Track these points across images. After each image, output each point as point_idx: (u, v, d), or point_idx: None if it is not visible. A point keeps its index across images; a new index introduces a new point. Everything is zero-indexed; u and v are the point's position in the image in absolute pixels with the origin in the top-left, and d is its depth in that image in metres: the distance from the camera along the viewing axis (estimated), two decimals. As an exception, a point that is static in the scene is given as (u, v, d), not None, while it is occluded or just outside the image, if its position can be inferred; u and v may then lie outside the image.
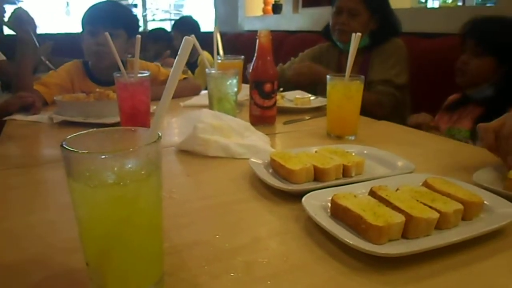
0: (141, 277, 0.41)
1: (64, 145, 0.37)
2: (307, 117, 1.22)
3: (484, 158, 0.77)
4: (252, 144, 0.86)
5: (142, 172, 0.38)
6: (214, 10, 4.31)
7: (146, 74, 1.03)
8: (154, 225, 0.40)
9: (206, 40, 1.56)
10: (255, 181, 0.72)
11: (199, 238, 0.54)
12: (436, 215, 0.51)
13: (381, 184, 0.60)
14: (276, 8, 3.31)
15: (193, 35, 1.00)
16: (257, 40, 1.08)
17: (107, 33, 1.02)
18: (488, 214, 0.56)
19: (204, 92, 1.55)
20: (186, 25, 3.05)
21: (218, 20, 4.15)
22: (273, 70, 1.09)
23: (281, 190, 0.65)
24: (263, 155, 0.78)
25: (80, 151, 0.36)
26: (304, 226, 0.56)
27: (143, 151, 0.38)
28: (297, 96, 1.39)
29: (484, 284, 0.44)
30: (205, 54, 2.87)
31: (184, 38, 0.39)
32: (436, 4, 3.62)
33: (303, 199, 0.57)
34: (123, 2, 4.25)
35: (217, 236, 0.54)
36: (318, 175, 0.68)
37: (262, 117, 1.10)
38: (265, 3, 3.52)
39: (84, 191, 0.38)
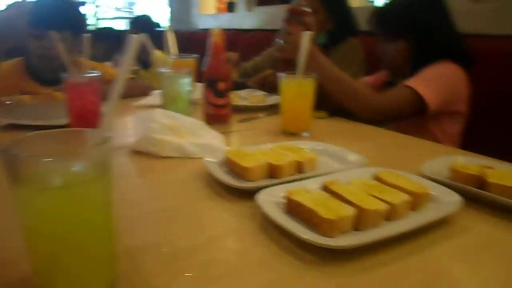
0: (93, 282, 0.39)
1: (7, 149, 0.35)
2: (261, 115, 1.22)
3: (431, 150, 0.81)
4: (207, 143, 0.85)
5: (91, 175, 0.37)
6: (168, 8, 4.25)
7: (96, 74, 0.99)
8: (104, 228, 0.39)
9: (161, 38, 1.54)
10: (210, 180, 0.71)
11: (154, 239, 0.52)
12: (385, 206, 0.52)
13: (333, 179, 0.61)
14: (230, 7, 3.31)
15: (143, 34, 0.98)
16: (210, 39, 1.07)
17: (54, 33, 0.98)
18: (435, 204, 0.58)
19: (157, 91, 1.52)
20: (142, 23, 2.99)
21: (171, 18, 4.09)
22: (226, 69, 1.08)
23: (237, 188, 0.65)
24: (218, 154, 0.78)
25: (23, 154, 0.34)
26: (259, 223, 0.56)
27: (91, 153, 0.37)
28: (252, 94, 1.39)
29: (433, 269, 0.46)
30: (157, 53, 2.82)
31: (129, 36, 0.38)
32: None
33: (257, 196, 0.57)
34: (71, -1, 4.10)
35: (172, 237, 0.53)
36: (273, 172, 0.69)
37: (217, 115, 1.09)
38: (219, 1, 3.50)
39: (30, 196, 0.36)
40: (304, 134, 1.00)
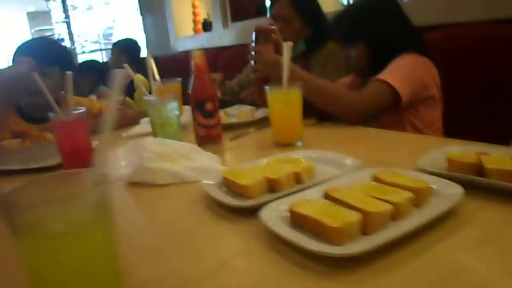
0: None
1: (4, 199, 0.34)
2: (252, 130, 1.22)
3: (423, 143, 0.81)
4: (202, 166, 0.84)
5: (91, 217, 0.36)
6: (144, 35, 4.27)
7: (82, 110, 0.99)
8: (110, 268, 0.38)
9: (142, 64, 1.55)
10: (210, 202, 0.70)
11: (164, 269, 0.52)
12: (390, 207, 0.52)
13: (333, 186, 0.61)
14: (207, 26, 3.33)
15: (125, 64, 0.97)
16: (192, 62, 1.07)
17: (36, 74, 0.98)
18: (437, 197, 0.58)
19: (145, 119, 1.51)
20: (125, 47, 3.02)
21: (149, 44, 4.11)
22: (212, 89, 1.09)
23: (238, 208, 0.64)
24: (214, 175, 0.77)
25: (21, 204, 0.34)
26: (266, 240, 0.55)
27: (89, 195, 0.36)
28: (240, 110, 1.39)
29: (446, 265, 0.46)
30: (138, 77, 2.83)
31: (112, 70, 0.38)
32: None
33: (261, 213, 0.57)
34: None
35: (180, 266, 0.52)
36: (272, 186, 0.68)
37: (208, 136, 1.08)
38: (195, 22, 3.53)
39: (32, 244, 0.35)
40: (298, 143, 1.00)
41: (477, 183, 0.62)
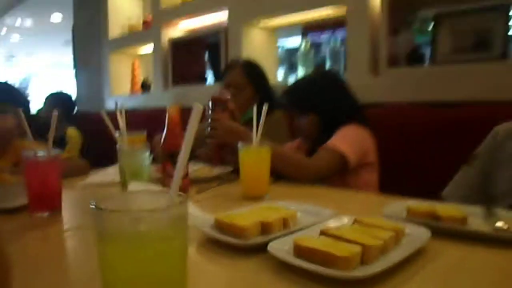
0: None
1: (95, 205, 0.39)
2: (215, 185, 1.29)
3: (374, 199, 0.93)
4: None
5: (170, 231, 0.41)
6: (76, 89, 4.21)
7: (56, 152, 0.99)
8: (179, 279, 0.43)
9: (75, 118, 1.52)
10: (202, 245, 0.75)
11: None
12: (381, 241, 0.63)
13: (326, 227, 0.70)
14: (145, 87, 3.40)
15: (55, 113, 1.02)
16: (167, 114, 1.14)
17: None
18: (410, 237, 0.70)
19: (112, 168, 1.46)
20: (59, 99, 2.94)
21: (78, 99, 4.02)
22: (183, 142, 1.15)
23: (239, 246, 0.70)
24: (203, 222, 0.82)
25: (110, 209, 0.39)
26: (273, 274, 0.61)
27: (172, 209, 0.42)
28: (199, 167, 1.46)
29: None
30: (70, 131, 2.74)
31: (194, 104, 0.45)
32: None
33: (269, 246, 0.64)
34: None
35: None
36: (264, 229, 0.75)
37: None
38: (133, 83, 3.57)
39: (114, 249, 0.39)
40: (266, 197, 1.09)
41: (435, 228, 0.75)
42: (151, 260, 0.39)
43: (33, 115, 3.27)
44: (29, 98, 1.62)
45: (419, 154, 1.67)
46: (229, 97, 1.52)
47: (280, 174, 1.32)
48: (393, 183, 1.59)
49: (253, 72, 1.87)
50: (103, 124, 1.20)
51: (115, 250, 0.39)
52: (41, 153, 0.98)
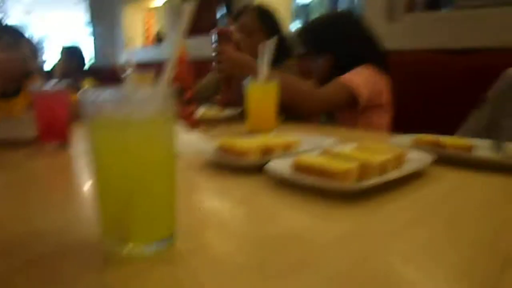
0: (161, 226, 0.43)
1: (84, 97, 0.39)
2: (223, 123, 1.29)
3: (384, 136, 0.91)
4: (190, 140, 0.90)
5: (159, 116, 0.41)
6: (93, 44, 4.22)
7: (63, 86, 1.00)
8: (169, 174, 0.43)
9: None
10: (205, 168, 0.75)
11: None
12: (380, 160, 0.62)
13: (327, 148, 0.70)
14: (159, 39, 3.37)
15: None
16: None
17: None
18: (412, 162, 0.69)
19: None
20: (73, 54, 2.97)
21: (96, 54, 4.04)
22: (190, 78, 1.15)
23: (241, 167, 0.71)
24: (207, 147, 0.83)
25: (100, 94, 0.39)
26: (273, 189, 0.62)
27: (160, 93, 0.41)
28: (207, 110, 1.46)
29: (421, 208, 0.56)
30: (88, 81, 2.78)
31: (184, 4, 0.44)
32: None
33: (268, 164, 0.64)
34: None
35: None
36: (266, 152, 0.75)
37: (185, 123, 1.13)
38: (146, 36, 3.55)
39: (104, 132, 0.40)
40: (273, 133, 1.09)
41: (440, 155, 0.74)
42: (138, 144, 0.40)
43: (49, 71, 3.31)
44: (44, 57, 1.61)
45: (436, 101, 1.63)
46: (232, 28, 1.48)
47: (288, 107, 1.31)
48: (407, 130, 1.57)
49: (266, 17, 1.82)
50: (118, 77, 1.19)
51: (103, 136, 0.40)
52: (48, 85, 0.99)
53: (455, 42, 1.74)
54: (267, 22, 1.80)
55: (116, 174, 0.40)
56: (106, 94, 0.40)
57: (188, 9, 0.45)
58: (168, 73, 0.44)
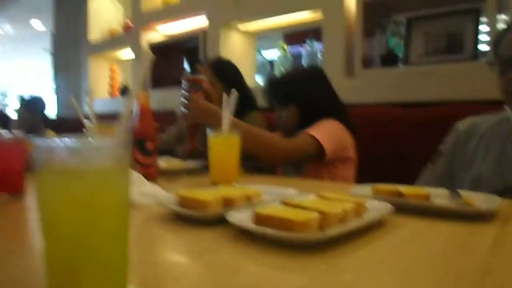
0: (113, 280, 0.40)
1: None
2: (184, 175, 1.27)
3: (346, 187, 0.93)
4: (151, 191, 0.87)
5: (113, 165, 0.40)
6: (55, 95, 4.16)
7: (21, 135, 0.97)
8: (123, 224, 0.41)
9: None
10: (163, 221, 0.73)
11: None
12: (340, 210, 0.62)
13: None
14: (124, 91, 3.37)
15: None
16: (137, 101, 1.13)
17: None
18: (372, 211, 0.70)
19: None
20: (34, 105, 2.90)
21: (59, 105, 3.97)
22: (153, 129, 1.14)
23: (200, 219, 0.69)
24: (166, 199, 0.81)
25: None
26: (234, 240, 0.60)
27: (114, 143, 0.40)
28: (170, 161, 1.44)
29: (379, 256, 0.56)
30: (49, 133, 2.71)
31: (144, 51, 0.45)
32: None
33: (228, 215, 0.63)
34: None
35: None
36: (227, 204, 0.74)
37: (145, 174, 1.11)
38: (112, 86, 3.54)
39: (55, 182, 0.38)
40: (235, 184, 1.08)
41: (399, 204, 0.75)
42: (90, 193, 0.38)
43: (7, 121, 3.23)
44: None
45: (393, 153, 1.69)
46: (203, 77, 1.49)
47: (253, 157, 1.31)
48: (365, 180, 1.60)
49: (222, 70, 1.80)
50: (80, 129, 1.17)
51: (53, 184, 0.38)
52: (5, 133, 0.95)
53: (410, 95, 1.83)
54: (224, 75, 1.78)
55: (64, 224, 0.38)
56: (60, 141, 0.39)
57: (147, 58, 0.45)
58: (125, 121, 0.43)
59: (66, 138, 0.39)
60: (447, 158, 1.26)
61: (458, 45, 1.82)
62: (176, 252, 0.60)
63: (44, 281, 0.40)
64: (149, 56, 0.43)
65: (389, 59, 1.99)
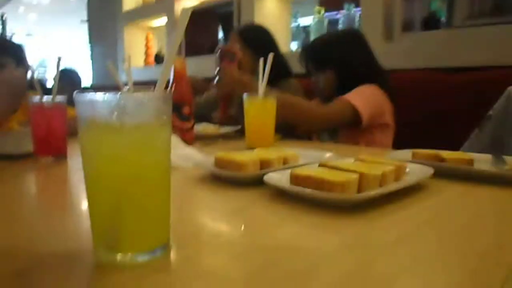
0: (152, 236, 0.41)
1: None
2: (221, 140, 1.29)
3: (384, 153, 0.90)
4: (190, 153, 0.89)
5: (154, 120, 0.40)
6: (91, 63, 4.24)
7: (63, 99, 1.00)
8: (164, 179, 0.42)
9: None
10: (201, 182, 0.75)
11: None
12: (379, 172, 0.61)
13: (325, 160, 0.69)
14: (159, 59, 3.40)
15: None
16: (173, 67, 1.13)
17: None
18: (410, 175, 0.68)
19: None
20: (68, 78, 2.97)
21: (94, 74, 4.06)
22: (190, 94, 1.15)
23: (238, 180, 0.70)
24: (203, 161, 0.82)
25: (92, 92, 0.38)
26: (270, 200, 0.61)
27: (156, 98, 0.41)
28: (206, 127, 1.46)
29: (419, 220, 0.55)
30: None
31: (182, 9, 0.44)
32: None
33: (265, 176, 0.63)
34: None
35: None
36: (263, 166, 0.74)
37: (182, 138, 1.13)
38: (147, 54, 3.58)
39: (97, 135, 0.39)
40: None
41: (440, 168, 0.73)
42: (131, 149, 0.39)
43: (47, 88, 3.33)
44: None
45: (435, 120, 1.63)
46: (238, 48, 1.49)
47: (289, 126, 1.30)
48: (407, 148, 1.57)
49: (251, 37, 1.75)
50: None
51: (96, 139, 0.39)
52: (46, 98, 0.98)
53: (453, 60, 1.75)
54: (253, 42, 1.73)
55: (108, 179, 0.40)
56: (103, 96, 0.40)
57: (184, 16, 0.45)
58: (163, 78, 0.43)
59: (108, 94, 0.39)
60: (496, 123, 1.21)
61: (502, 7, 1.71)
62: (215, 211, 0.61)
63: (87, 235, 0.42)
64: (185, 17, 0.43)
65: (430, 22, 1.90)
